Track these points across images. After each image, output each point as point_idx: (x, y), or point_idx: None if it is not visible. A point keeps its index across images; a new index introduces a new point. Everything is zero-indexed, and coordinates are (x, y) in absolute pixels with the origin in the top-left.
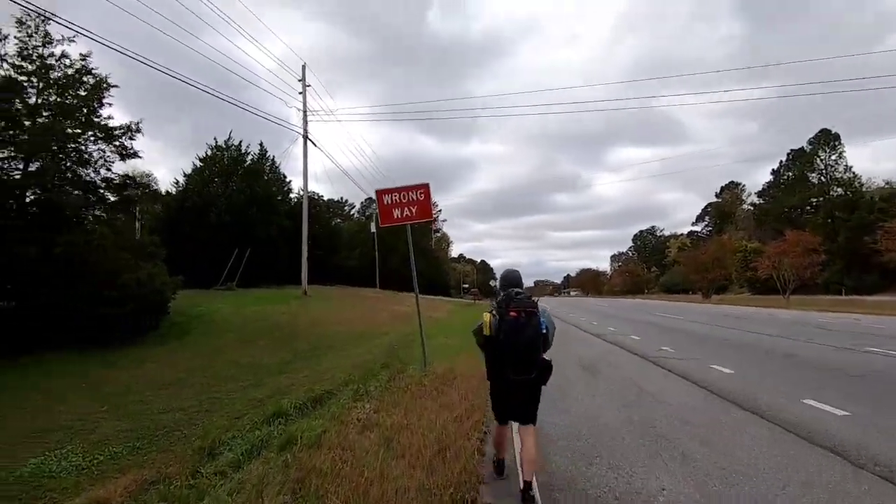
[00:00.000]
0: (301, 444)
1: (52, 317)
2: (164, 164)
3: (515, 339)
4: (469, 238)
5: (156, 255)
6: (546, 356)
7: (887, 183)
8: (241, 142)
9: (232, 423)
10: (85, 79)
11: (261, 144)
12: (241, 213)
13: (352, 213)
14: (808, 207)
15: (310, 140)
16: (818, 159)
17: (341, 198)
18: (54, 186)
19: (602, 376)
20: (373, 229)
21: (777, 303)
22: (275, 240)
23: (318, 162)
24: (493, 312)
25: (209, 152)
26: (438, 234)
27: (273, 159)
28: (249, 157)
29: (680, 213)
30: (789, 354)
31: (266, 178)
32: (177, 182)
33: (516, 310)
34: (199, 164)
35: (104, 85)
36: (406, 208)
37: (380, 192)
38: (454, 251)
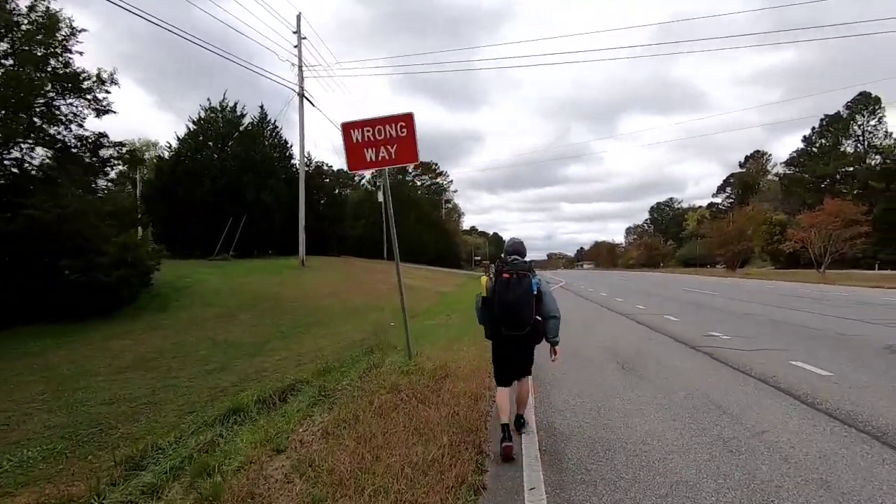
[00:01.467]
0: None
1: (19, 289)
2: (174, 136)
3: (505, 298)
4: (480, 211)
5: (140, 223)
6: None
7: None
8: (236, 103)
9: (179, 421)
10: (48, 22)
11: (261, 107)
12: (236, 178)
13: (361, 182)
14: (838, 176)
15: (306, 98)
16: (855, 125)
17: None
18: (20, 145)
19: (650, 380)
20: (380, 198)
21: (810, 277)
22: (273, 207)
23: (326, 133)
24: (491, 276)
25: (203, 114)
26: (449, 206)
27: (273, 123)
28: (248, 120)
29: (698, 186)
30: (888, 346)
31: (267, 143)
32: (170, 146)
33: (509, 272)
34: (192, 126)
35: (68, 28)
36: (383, 148)
37: (346, 126)
38: (465, 223)
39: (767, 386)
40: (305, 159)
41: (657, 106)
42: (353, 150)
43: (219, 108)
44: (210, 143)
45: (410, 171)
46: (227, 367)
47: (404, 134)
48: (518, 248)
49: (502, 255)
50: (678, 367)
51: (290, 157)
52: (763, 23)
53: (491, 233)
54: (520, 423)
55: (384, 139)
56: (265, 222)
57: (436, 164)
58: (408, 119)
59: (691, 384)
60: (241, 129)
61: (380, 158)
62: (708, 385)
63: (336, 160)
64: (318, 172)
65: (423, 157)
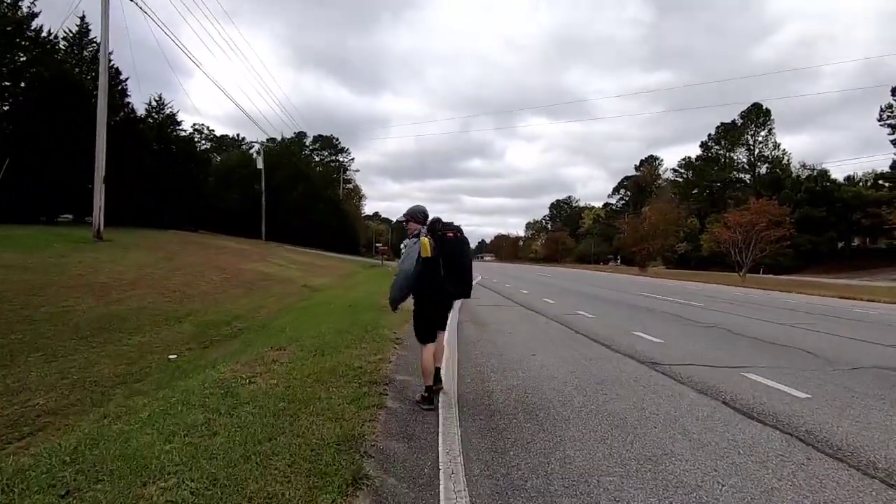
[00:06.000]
0: None
1: None
2: None
3: (460, 259)
4: (384, 197)
5: None
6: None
7: (803, 166)
8: None
9: None
10: None
11: (82, 18)
12: (14, 101)
13: (249, 152)
14: (722, 182)
15: None
16: (748, 134)
17: (237, 134)
18: None
19: None
20: (259, 165)
21: (734, 280)
22: (71, 150)
23: (220, 103)
24: (427, 236)
25: None
26: (350, 186)
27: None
28: (56, 34)
29: (585, 188)
30: None
31: (86, 67)
32: None
33: (453, 231)
34: None
35: None
36: None
37: None
38: (369, 209)
39: None
40: (156, 103)
41: (553, 110)
42: None
43: None
44: None
45: (308, 143)
46: None
47: None
48: (427, 213)
49: (412, 217)
50: None
51: (124, 91)
52: (648, 43)
53: (394, 220)
54: (437, 376)
55: None
56: (67, 175)
57: (337, 139)
58: None
59: None
60: (27, 35)
61: None
62: None
63: (221, 124)
64: (170, 121)
65: (325, 132)
